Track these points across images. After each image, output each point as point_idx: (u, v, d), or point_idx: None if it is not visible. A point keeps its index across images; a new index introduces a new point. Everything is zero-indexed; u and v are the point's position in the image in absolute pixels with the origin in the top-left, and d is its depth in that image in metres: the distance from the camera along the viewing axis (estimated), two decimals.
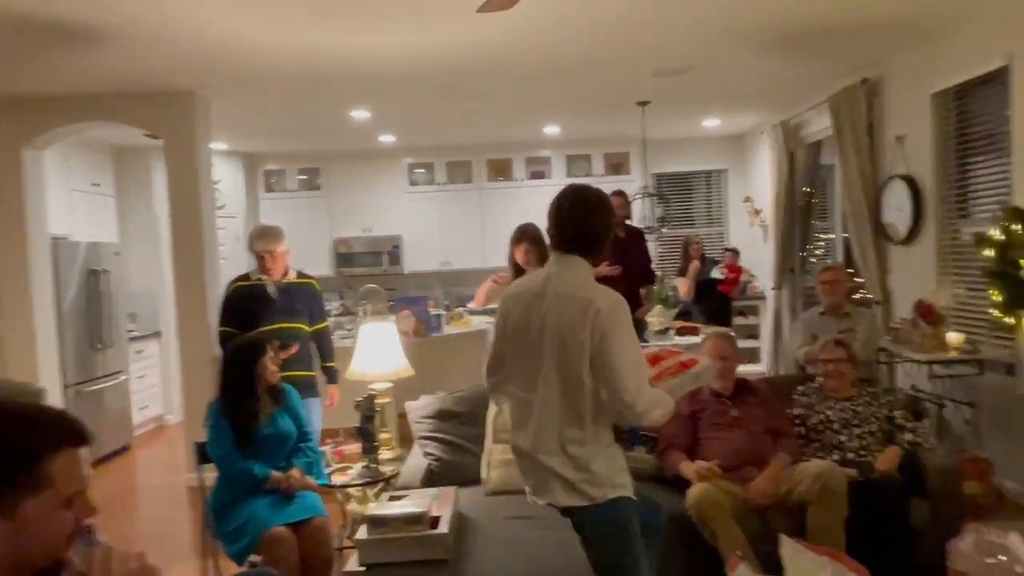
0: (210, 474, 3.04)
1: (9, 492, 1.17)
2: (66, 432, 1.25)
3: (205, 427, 2.99)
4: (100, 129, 5.83)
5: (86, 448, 1.27)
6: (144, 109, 5.07)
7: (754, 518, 2.92)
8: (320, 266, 8.09)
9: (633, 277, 5.13)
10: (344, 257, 8.10)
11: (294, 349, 3.82)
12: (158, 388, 6.97)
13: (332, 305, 7.96)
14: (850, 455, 3.14)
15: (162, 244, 6.89)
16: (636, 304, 5.11)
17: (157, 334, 7.05)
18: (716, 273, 6.46)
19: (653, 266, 5.61)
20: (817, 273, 4.58)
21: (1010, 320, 3.79)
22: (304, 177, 8.23)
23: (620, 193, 5.26)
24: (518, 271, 4.42)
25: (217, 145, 7.10)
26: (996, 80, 4.03)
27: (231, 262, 7.49)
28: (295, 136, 7.16)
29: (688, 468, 3.05)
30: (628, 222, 5.27)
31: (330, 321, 4.49)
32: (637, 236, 5.36)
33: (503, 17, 3.68)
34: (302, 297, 3.97)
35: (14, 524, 1.17)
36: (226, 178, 7.59)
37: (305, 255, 8.04)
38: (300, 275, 4.06)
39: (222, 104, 5.40)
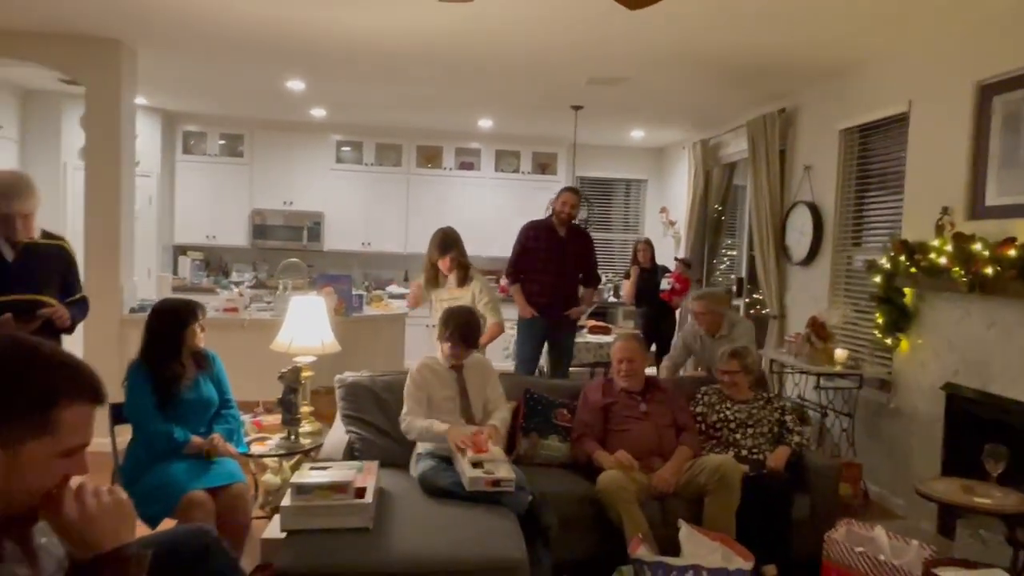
0: (123, 437, 2.97)
1: (18, 427, 1.18)
2: (87, 387, 1.27)
3: (123, 387, 2.92)
4: (8, 68, 5.47)
5: (98, 408, 1.29)
6: (66, 52, 4.79)
7: (655, 504, 3.15)
8: (235, 236, 7.89)
9: (571, 276, 5.08)
10: (261, 229, 7.90)
11: (36, 322, 2.99)
12: None
13: (245, 276, 7.79)
14: (744, 452, 3.42)
15: (68, 195, 6.53)
16: (572, 302, 5.05)
17: None
18: (664, 284, 6.44)
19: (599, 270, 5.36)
20: (691, 299, 4.83)
21: (890, 341, 4.23)
22: (225, 142, 7.97)
23: (574, 190, 5.10)
24: (436, 276, 4.42)
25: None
26: (896, 123, 4.45)
27: (141, 223, 7.18)
28: (221, 98, 6.92)
29: (605, 457, 3.24)
30: (575, 222, 5.10)
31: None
32: (580, 235, 5.18)
33: (453, 7, 3.75)
34: (49, 262, 3.13)
35: (10, 460, 1.18)
36: (142, 135, 7.24)
37: (220, 223, 7.86)
38: (46, 235, 3.16)
39: (147, 56, 5.18)
